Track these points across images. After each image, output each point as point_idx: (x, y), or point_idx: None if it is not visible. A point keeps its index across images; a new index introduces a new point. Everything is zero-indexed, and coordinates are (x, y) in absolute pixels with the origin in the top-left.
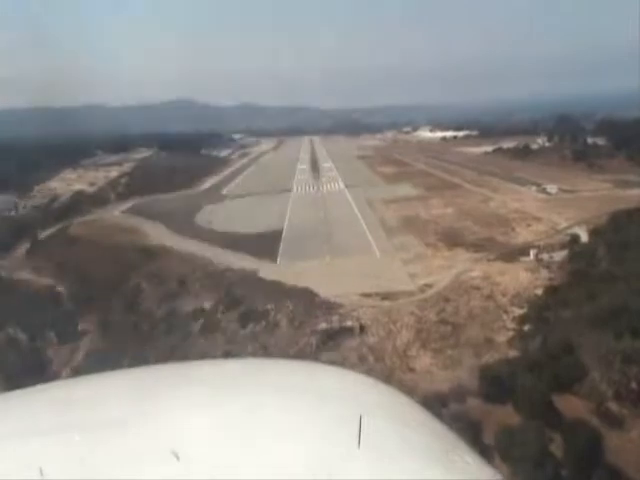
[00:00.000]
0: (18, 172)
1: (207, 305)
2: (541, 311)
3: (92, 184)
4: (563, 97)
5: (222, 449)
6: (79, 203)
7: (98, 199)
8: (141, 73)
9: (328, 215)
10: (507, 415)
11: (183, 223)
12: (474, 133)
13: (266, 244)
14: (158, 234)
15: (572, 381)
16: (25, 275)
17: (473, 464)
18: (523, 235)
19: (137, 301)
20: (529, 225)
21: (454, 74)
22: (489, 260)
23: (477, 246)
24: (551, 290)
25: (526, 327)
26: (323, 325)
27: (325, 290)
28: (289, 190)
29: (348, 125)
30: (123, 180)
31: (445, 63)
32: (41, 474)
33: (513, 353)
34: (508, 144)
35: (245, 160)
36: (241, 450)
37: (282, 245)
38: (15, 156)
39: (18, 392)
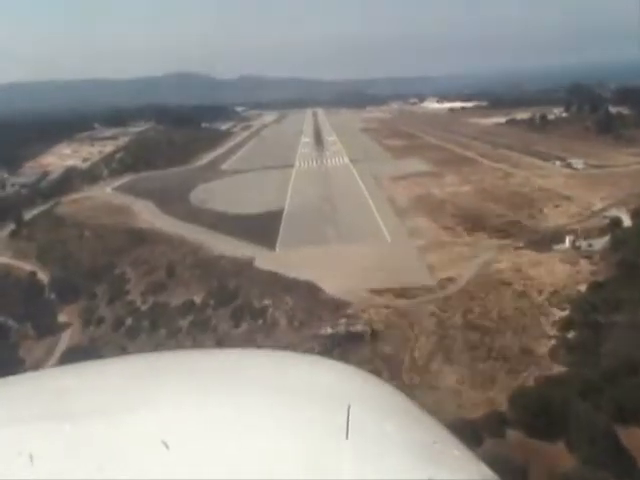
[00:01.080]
0: (12, 147)
1: (197, 299)
2: (587, 314)
3: (85, 159)
4: (572, 66)
5: (211, 440)
6: (70, 180)
7: (90, 176)
8: (143, 46)
9: (333, 193)
10: (559, 456)
11: (176, 202)
12: (483, 104)
13: (264, 227)
14: (148, 215)
15: None
16: (5, 260)
17: (461, 457)
18: (553, 217)
19: (121, 293)
20: (558, 205)
21: (459, 44)
22: (517, 248)
23: (502, 231)
24: (596, 286)
25: (571, 334)
26: (328, 330)
27: (330, 284)
28: (291, 165)
29: (352, 97)
30: (118, 155)
31: (450, 33)
32: (31, 462)
33: (558, 368)
34: (521, 115)
35: (247, 133)
36: (230, 441)
37: (282, 228)
38: (10, 131)
39: (8, 379)
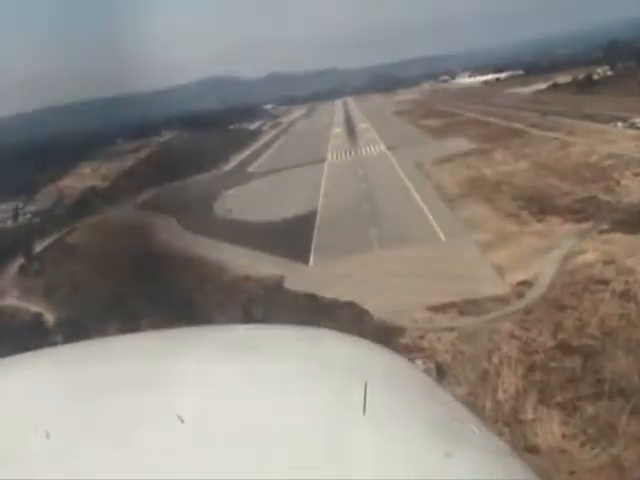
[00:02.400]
0: (32, 172)
1: None
2: None
3: (105, 178)
4: (598, 26)
5: (226, 414)
6: (87, 203)
7: (108, 195)
8: (164, 55)
9: (370, 187)
10: None
11: (199, 215)
12: (518, 73)
13: (295, 236)
14: (167, 234)
15: None
16: (12, 301)
17: (479, 433)
18: (636, 189)
19: (134, 331)
20: (638, 174)
21: (482, 18)
22: (602, 232)
23: (577, 212)
24: None
25: None
26: None
27: (377, 304)
28: (323, 160)
29: (381, 82)
30: (139, 169)
31: (471, 8)
32: (47, 437)
33: None
34: (562, 79)
35: (275, 131)
36: (245, 415)
37: (315, 236)
38: (33, 156)
39: (25, 355)
